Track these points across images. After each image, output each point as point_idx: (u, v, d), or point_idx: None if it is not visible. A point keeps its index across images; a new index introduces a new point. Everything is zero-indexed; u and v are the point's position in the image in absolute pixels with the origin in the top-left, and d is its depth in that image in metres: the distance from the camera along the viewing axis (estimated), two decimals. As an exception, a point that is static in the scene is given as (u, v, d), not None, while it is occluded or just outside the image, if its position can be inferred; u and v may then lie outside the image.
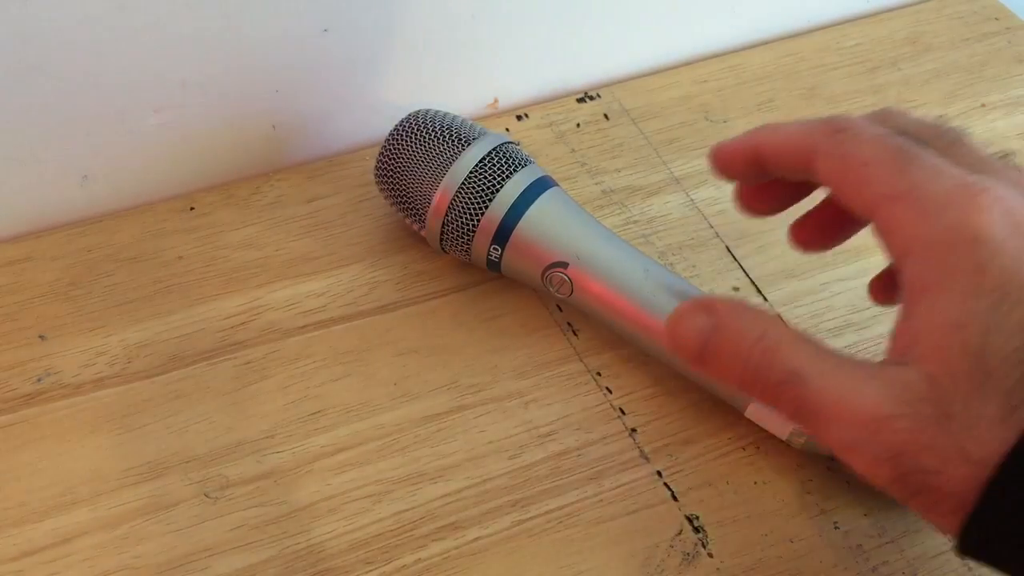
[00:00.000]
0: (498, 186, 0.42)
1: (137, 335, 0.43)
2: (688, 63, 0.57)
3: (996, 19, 0.60)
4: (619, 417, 0.43)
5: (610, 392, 0.43)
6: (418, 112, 0.45)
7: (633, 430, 0.42)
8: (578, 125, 0.53)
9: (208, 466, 0.40)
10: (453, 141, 0.43)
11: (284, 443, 0.41)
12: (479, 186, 0.42)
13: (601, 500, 0.40)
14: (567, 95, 0.55)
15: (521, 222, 0.42)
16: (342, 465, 0.40)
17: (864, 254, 0.49)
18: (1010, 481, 0.27)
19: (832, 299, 0.47)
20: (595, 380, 0.44)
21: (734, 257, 0.48)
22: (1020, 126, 0.55)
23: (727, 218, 0.50)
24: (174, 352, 0.43)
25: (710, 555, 0.39)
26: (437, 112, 0.45)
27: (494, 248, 0.43)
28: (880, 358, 0.44)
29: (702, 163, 0.52)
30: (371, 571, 0.38)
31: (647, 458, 0.42)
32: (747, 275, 0.48)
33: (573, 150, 0.52)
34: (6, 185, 0.46)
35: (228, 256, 0.46)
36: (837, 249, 0.49)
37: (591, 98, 0.55)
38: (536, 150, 0.52)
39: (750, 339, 0.31)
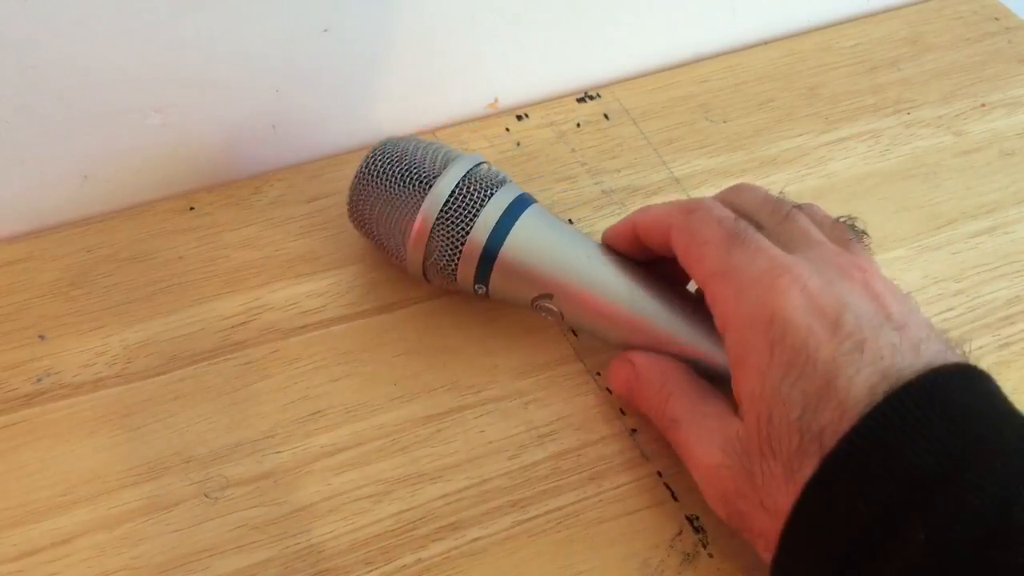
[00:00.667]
0: (468, 226, 0.41)
1: (137, 335, 0.43)
2: (688, 63, 0.57)
3: (996, 19, 0.60)
4: (619, 417, 0.43)
5: (610, 392, 0.43)
6: (381, 150, 0.43)
7: (633, 430, 0.42)
8: (578, 125, 0.53)
9: (208, 466, 0.40)
10: (415, 185, 0.41)
11: (284, 443, 0.41)
12: (450, 229, 0.41)
13: (601, 500, 0.40)
14: (567, 95, 0.55)
15: (498, 260, 0.41)
16: (342, 465, 0.40)
17: (864, 254, 0.49)
18: (795, 533, 0.32)
19: (832, 299, 0.47)
20: (595, 380, 0.44)
21: (734, 257, 0.48)
22: (1020, 126, 0.55)
23: (727, 218, 0.50)
24: (174, 352, 0.43)
25: (710, 555, 0.39)
26: (398, 147, 0.43)
27: (478, 287, 0.42)
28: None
29: (702, 163, 0.52)
30: (371, 571, 0.38)
31: (647, 458, 0.42)
32: (747, 275, 0.48)
33: (573, 150, 0.52)
34: (6, 185, 0.46)
35: (228, 256, 0.46)
36: (837, 249, 0.49)
37: (591, 98, 0.55)
38: (536, 150, 0.52)
39: (653, 389, 0.40)
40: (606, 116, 0.54)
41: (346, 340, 0.44)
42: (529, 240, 0.41)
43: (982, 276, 0.48)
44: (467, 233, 0.41)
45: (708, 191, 0.50)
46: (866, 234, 0.39)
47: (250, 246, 0.47)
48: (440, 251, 0.41)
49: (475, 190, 0.41)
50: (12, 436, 0.40)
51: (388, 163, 0.42)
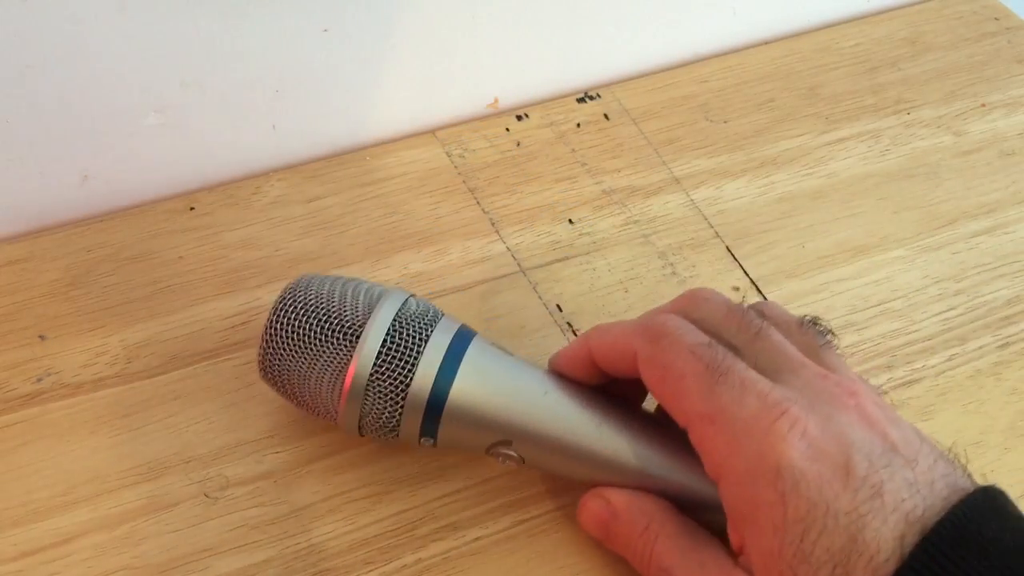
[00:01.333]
0: (407, 377, 0.36)
1: (137, 335, 0.43)
2: (688, 63, 0.57)
3: (996, 19, 0.60)
4: (619, 417, 0.43)
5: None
6: (291, 297, 0.38)
7: (633, 430, 0.42)
8: (578, 125, 0.53)
9: (208, 466, 0.40)
10: (339, 337, 0.36)
11: (284, 443, 0.41)
12: (388, 383, 0.36)
13: (601, 500, 0.40)
14: (567, 95, 0.55)
15: (445, 410, 0.36)
16: (342, 465, 0.40)
17: (864, 254, 0.49)
18: None
19: (832, 299, 0.47)
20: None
21: (734, 257, 0.48)
22: (1020, 126, 0.55)
23: (727, 218, 0.50)
24: (174, 352, 0.43)
25: (710, 555, 0.39)
26: (311, 291, 0.38)
27: (425, 439, 0.37)
28: (879, 359, 0.44)
29: (702, 163, 0.52)
30: (371, 571, 0.38)
31: (647, 458, 0.42)
32: (747, 275, 0.48)
33: (573, 150, 0.52)
34: (6, 185, 0.46)
35: (228, 256, 0.46)
36: (837, 249, 0.49)
37: (591, 98, 0.55)
38: (536, 150, 0.52)
39: (636, 531, 0.36)
40: (606, 116, 0.54)
41: (346, 340, 0.44)
42: (478, 384, 0.36)
43: (982, 276, 0.48)
44: (407, 386, 0.36)
45: (708, 191, 0.51)
46: (832, 333, 0.37)
47: (250, 246, 0.47)
48: (378, 409, 0.36)
49: (409, 334, 0.36)
50: (12, 436, 0.40)
51: (303, 314, 0.37)
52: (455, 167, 0.51)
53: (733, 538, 0.33)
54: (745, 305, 0.37)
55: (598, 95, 0.55)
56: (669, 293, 0.47)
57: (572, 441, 0.37)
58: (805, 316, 0.37)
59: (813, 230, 0.50)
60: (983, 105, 0.56)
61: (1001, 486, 0.40)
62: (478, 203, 0.49)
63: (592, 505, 0.38)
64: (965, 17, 0.60)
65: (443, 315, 0.38)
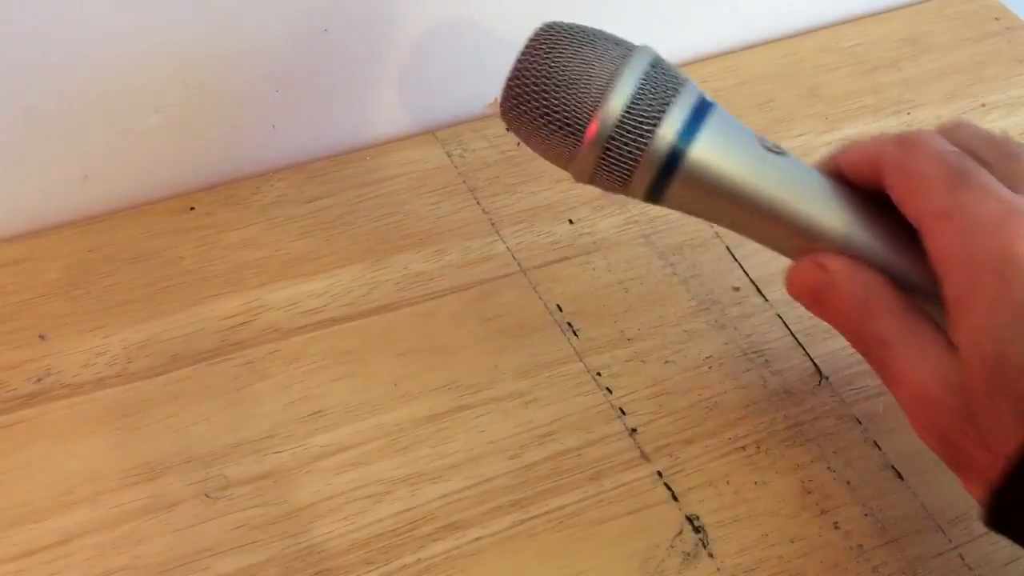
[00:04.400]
0: (665, 105, 0.37)
1: (137, 335, 0.43)
2: (688, 63, 0.57)
3: (996, 19, 0.60)
4: (619, 417, 0.43)
5: (610, 392, 0.43)
6: (555, 23, 0.39)
7: (633, 430, 0.42)
8: (578, 125, 0.53)
9: (208, 466, 0.40)
10: (613, 44, 0.38)
11: (284, 443, 0.41)
12: (647, 104, 0.36)
13: (601, 500, 0.40)
14: (567, 95, 0.55)
15: (679, 172, 0.37)
16: (342, 465, 0.40)
17: (864, 254, 0.49)
18: (1020, 473, 0.30)
19: (832, 299, 0.47)
20: (595, 380, 0.44)
21: (734, 257, 0.48)
22: (1020, 126, 0.55)
23: (727, 218, 0.50)
24: (174, 352, 0.43)
25: (710, 555, 0.39)
26: (574, 24, 0.39)
27: (653, 197, 0.38)
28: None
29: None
30: (371, 571, 0.38)
31: (647, 458, 0.42)
32: (747, 275, 0.48)
33: (573, 150, 0.52)
34: (6, 185, 0.46)
35: (228, 256, 0.46)
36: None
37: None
38: (536, 150, 0.52)
39: (854, 303, 0.36)
40: (606, 116, 0.54)
41: (346, 340, 0.44)
42: (717, 153, 0.37)
43: (982, 276, 0.48)
44: (650, 139, 0.36)
45: (708, 191, 0.51)
46: None
47: (250, 246, 0.47)
48: (634, 122, 0.36)
49: (659, 88, 0.37)
50: (12, 436, 0.40)
51: (576, 27, 0.39)
52: (455, 167, 0.51)
53: (950, 332, 0.34)
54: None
55: (598, 95, 0.55)
56: (669, 293, 0.47)
57: (801, 208, 0.37)
58: None
59: (813, 230, 0.49)
60: (983, 105, 0.56)
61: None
62: (478, 203, 0.49)
63: (806, 272, 0.37)
64: (965, 17, 0.60)
65: (686, 78, 0.38)
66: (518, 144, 0.52)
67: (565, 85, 0.37)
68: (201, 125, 0.48)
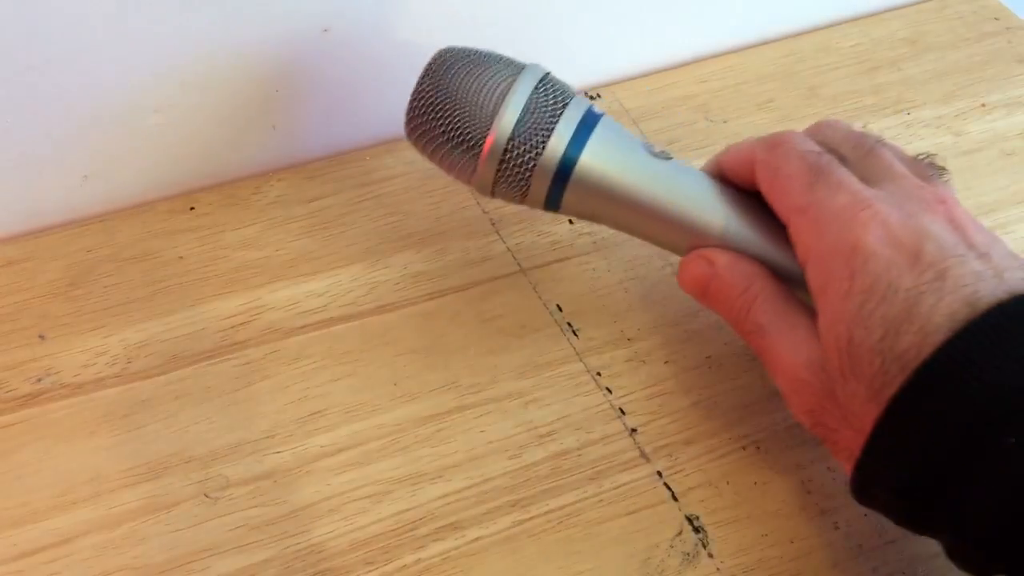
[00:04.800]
0: (555, 117, 0.40)
1: (137, 335, 0.43)
2: (688, 63, 0.57)
3: (996, 19, 0.60)
4: (619, 417, 0.43)
5: (610, 392, 0.43)
6: (450, 47, 0.41)
7: (633, 430, 0.42)
8: (578, 125, 0.53)
9: (208, 466, 0.40)
10: (504, 64, 0.40)
11: (284, 443, 0.41)
12: (538, 116, 0.40)
13: (601, 500, 0.40)
14: (567, 95, 0.55)
15: (571, 178, 0.40)
16: (342, 465, 0.40)
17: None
18: (878, 448, 0.34)
19: (832, 299, 0.47)
20: (595, 380, 0.44)
21: (734, 257, 0.48)
22: (1020, 126, 0.55)
23: (727, 218, 0.50)
24: (174, 352, 0.43)
25: (710, 555, 0.39)
26: (468, 47, 0.42)
27: (550, 204, 0.41)
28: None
29: (702, 163, 0.52)
30: (371, 571, 0.38)
31: (647, 458, 0.42)
32: (747, 275, 0.48)
33: (573, 150, 0.52)
34: (6, 185, 0.46)
35: (228, 256, 0.46)
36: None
37: (591, 98, 0.55)
38: (536, 150, 0.52)
39: (735, 293, 0.39)
40: (606, 116, 0.54)
41: (346, 340, 0.44)
42: (604, 157, 0.40)
43: (982, 276, 0.48)
44: (541, 151, 0.39)
45: (708, 191, 0.51)
46: (946, 170, 0.40)
47: (250, 246, 0.47)
48: (512, 169, 0.40)
49: (547, 104, 0.40)
50: (12, 436, 0.40)
51: (468, 51, 0.41)
52: (455, 167, 0.51)
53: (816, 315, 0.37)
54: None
55: (598, 95, 0.55)
56: (669, 293, 0.47)
57: (686, 207, 0.40)
58: (921, 154, 0.40)
59: (813, 230, 0.49)
60: (983, 105, 0.56)
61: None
62: (478, 203, 0.49)
63: (694, 266, 0.40)
64: (965, 17, 0.60)
65: (576, 93, 0.41)
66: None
67: (460, 105, 0.40)
68: (201, 125, 0.48)
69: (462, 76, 0.40)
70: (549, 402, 0.43)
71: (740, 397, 0.44)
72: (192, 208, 0.48)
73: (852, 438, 0.35)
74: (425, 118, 0.40)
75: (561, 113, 0.40)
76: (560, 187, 0.40)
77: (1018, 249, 0.49)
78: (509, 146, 0.39)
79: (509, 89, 0.40)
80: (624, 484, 0.41)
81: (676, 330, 0.45)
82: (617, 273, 0.47)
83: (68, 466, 0.40)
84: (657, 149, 0.41)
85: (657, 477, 0.41)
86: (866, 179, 0.38)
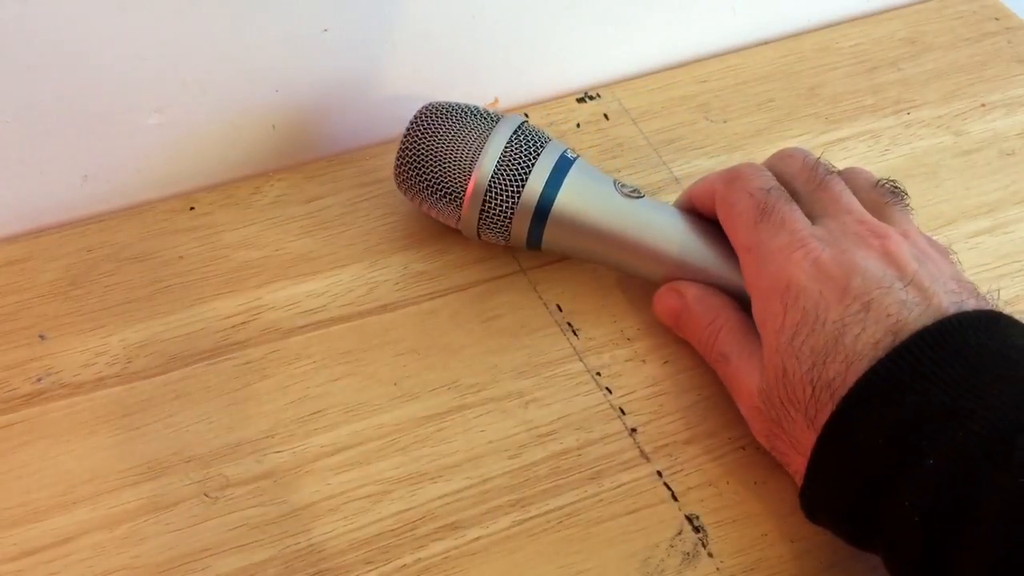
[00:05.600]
0: (531, 163, 0.43)
1: (137, 335, 0.43)
2: (688, 63, 0.57)
3: (996, 19, 0.60)
4: (619, 417, 0.43)
5: (610, 392, 0.43)
6: (431, 104, 0.45)
7: (633, 430, 0.42)
8: (578, 125, 0.53)
9: (208, 466, 0.40)
10: (482, 118, 0.44)
11: (284, 443, 0.41)
12: (514, 163, 0.43)
13: (601, 500, 0.40)
14: (567, 95, 0.55)
15: (550, 217, 0.43)
16: (342, 465, 0.40)
17: (864, 254, 0.49)
18: (817, 472, 0.36)
19: (832, 299, 0.47)
20: (595, 380, 0.44)
21: (734, 257, 0.48)
22: (1020, 126, 0.55)
23: (727, 218, 0.50)
24: (174, 352, 0.43)
25: (710, 555, 0.39)
26: (448, 102, 0.45)
27: (532, 243, 0.44)
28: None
29: (702, 163, 0.52)
30: (371, 571, 0.38)
31: (647, 458, 0.42)
32: (747, 275, 0.48)
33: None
34: (6, 185, 0.46)
35: (228, 256, 0.46)
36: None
37: (591, 98, 0.55)
38: (536, 150, 0.52)
39: (703, 324, 0.42)
40: (606, 116, 0.54)
41: (346, 340, 0.44)
42: (579, 196, 0.43)
43: (982, 276, 0.48)
44: (519, 194, 0.43)
45: (708, 191, 0.51)
46: (905, 194, 0.41)
47: (250, 246, 0.47)
48: (494, 214, 0.43)
49: (521, 154, 0.43)
50: (12, 436, 0.40)
51: (448, 107, 0.44)
52: (455, 167, 0.51)
53: None
54: (823, 161, 0.42)
55: (598, 95, 0.55)
56: (669, 293, 0.47)
57: (658, 242, 0.43)
58: (882, 180, 0.42)
59: (813, 230, 0.49)
60: (983, 105, 0.56)
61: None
62: (478, 203, 0.49)
63: (667, 296, 0.43)
64: (965, 17, 0.60)
65: (551, 139, 0.44)
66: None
67: (441, 160, 0.43)
68: (201, 125, 0.48)
69: (442, 132, 0.44)
70: (549, 402, 0.43)
71: (740, 397, 0.44)
72: (192, 208, 0.48)
73: (801, 463, 0.37)
74: (410, 173, 0.44)
75: (535, 161, 0.43)
76: (539, 228, 0.43)
77: (1018, 249, 0.49)
78: (487, 196, 0.43)
79: (486, 140, 0.43)
80: (624, 484, 0.41)
81: (676, 330, 0.45)
82: (617, 273, 0.47)
83: (68, 466, 0.40)
84: (628, 188, 0.44)
85: (657, 477, 0.41)
86: (813, 214, 0.40)
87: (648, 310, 0.46)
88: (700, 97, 0.55)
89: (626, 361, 0.44)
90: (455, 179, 0.43)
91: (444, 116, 0.44)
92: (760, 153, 0.52)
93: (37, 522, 0.38)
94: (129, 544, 0.38)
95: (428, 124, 0.44)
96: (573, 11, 0.53)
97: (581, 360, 0.44)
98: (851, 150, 0.53)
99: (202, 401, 0.42)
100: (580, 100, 0.54)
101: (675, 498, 0.41)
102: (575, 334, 0.45)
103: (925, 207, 0.51)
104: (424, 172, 0.44)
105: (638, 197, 0.44)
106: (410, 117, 0.45)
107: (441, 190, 0.44)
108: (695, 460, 0.42)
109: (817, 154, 0.43)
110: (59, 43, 0.42)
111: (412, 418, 0.42)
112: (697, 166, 0.52)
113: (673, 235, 0.43)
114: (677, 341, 0.45)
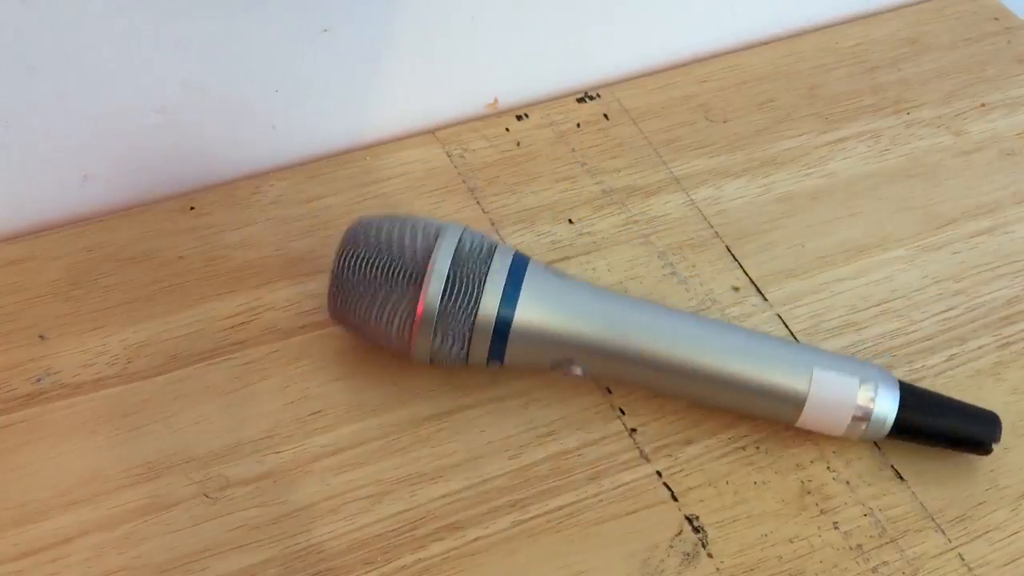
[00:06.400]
0: (473, 308, 0.39)
1: (137, 335, 0.43)
2: (688, 63, 0.57)
3: (996, 19, 0.60)
4: (619, 417, 0.43)
5: (610, 392, 0.43)
6: (352, 248, 0.39)
7: (633, 430, 0.42)
8: (578, 125, 0.53)
9: (208, 466, 0.40)
10: (403, 281, 0.39)
11: (284, 443, 0.41)
12: (457, 311, 0.39)
13: (601, 500, 0.40)
14: (567, 95, 0.55)
15: (510, 334, 0.39)
16: (342, 465, 0.40)
17: (864, 254, 0.49)
18: None
19: (832, 299, 0.47)
20: (595, 380, 0.44)
21: (734, 257, 0.48)
22: (1020, 126, 0.55)
23: (727, 218, 0.50)
24: (174, 352, 0.43)
25: (710, 555, 0.39)
26: (368, 243, 0.39)
27: (493, 362, 0.40)
28: (879, 359, 0.44)
29: (702, 163, 0.52)
30: (371, 571, 0.38)
31: (647, 458, 0.42)
32: (747, 275, 0.48)
33: (573, 150, 0.52)
34: (6, 185, 0.46)
35: (228, 256, 0.46)
36: (837, 249, 0.49)
37: (591, 98, 0.55)
38: (536, 150, 0.52)
39: None
40: (606, 116, 0.54)
41: (346, 340, 0.44)
42: (539, 307, 0.39)
43: (982, 276, 0.48)
44: (474, 317, 0.39)
45: (708, 191, 0.51)
46: None
47: (250, 246, 0.47)
48: (448, 340, 0.39)
49: (470, 268, 0.39)
50: (12, 436, 0.40)
51: (367, 262, 0.39)
52: (455, 167, 0.51)
53: None
54: None
55: (598, 95, 0.55)
56: (669, 293, 0.47)
57: (633, 351, 0.40)
58: None
59: (813, 230, 0.50)
60: (983, 105, 0.56)
61: (1001, 486, 0.40)
62: (478, 203, 0.49)
63: None
64: (965, 17, 0.60)
65: (498, 244, 0.40)
66: (517, 144, 0.52)
67: (382, 290, 0.39)
68: (201, 125, 0.48)
69: (377, 258, 0.39)
70: (549, 402, 0.43)
71: (740, 397, 0.44)
72: (192, 208, 0.48)
73: None
74: (349, 306, 0.40)
75: (486, 274, 0.39)
76: (500, 345, 0.40)
77: (1018, 249, 0.49)
78: (439, 324, 0.39)
79: (429, 262, 0.38)
80: (624, 484, 0.41)
81: (676, 330, 0.45)
82: (617, 273, 0.47)
83: (68, 466, 0.40)
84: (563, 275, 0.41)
85: (657, 477, 0.41)
86: None
87: (648, 310, 0.46)
88: (700, 97, 0.55)
89: (626, 361, 0.44)
90: (401, 310, 0.39)
91: (377, 240, 0.39)
92: (760, 153, 0.53)
93: (37, 522, 0.38)
94: (129, 544, 0.38)
95: (362, 249, 0.39)
96: (573, 11, 0.53)
97: (581, 360, 0.44)
98: (851, 150, 0.53)
99: (202, 401, 0.42)
100: (580, 100, 0.54)
101: (675, 498, 0.41)
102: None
103: (925, 207, 0.51)
104: (364, 304, 0.39)
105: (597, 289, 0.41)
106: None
107: (387, 320, 0.39)
108: (695, 460, 0.42)
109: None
110: (59, 43, 0.42)
111: (412, 418, 0.42)
112: (697, 166, 0.52)
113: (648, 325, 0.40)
114: (677, 341, 0.45)
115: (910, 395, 0.41)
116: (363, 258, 0.39)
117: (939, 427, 0.41)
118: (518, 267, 0.40)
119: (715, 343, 0.40)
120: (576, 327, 0.39)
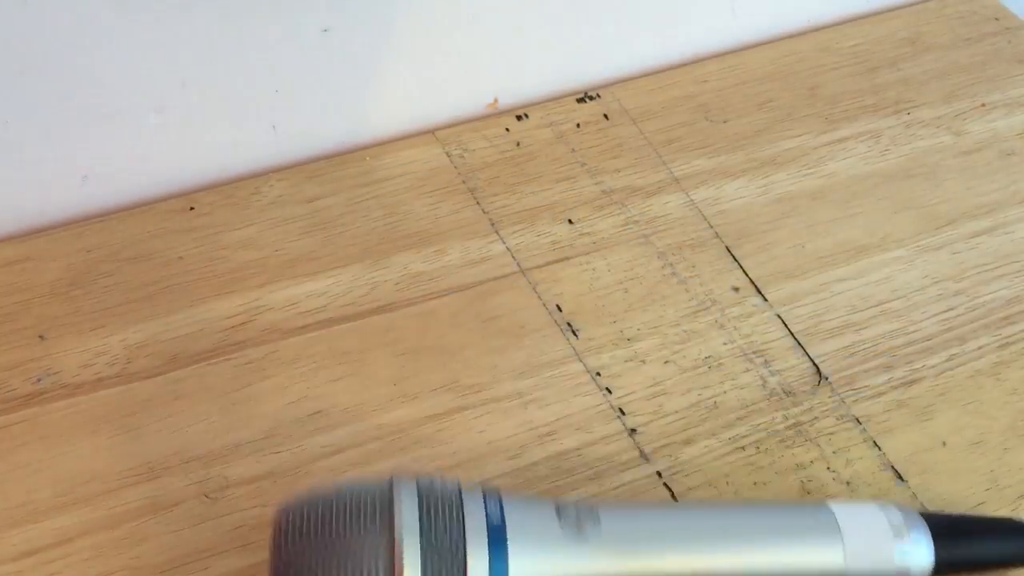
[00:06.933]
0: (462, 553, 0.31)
1: (137, 335, 0.43)
2: (688, 63, 0.57)
3: (996, 19, 0.60)
4: (619, 417, 0.43)
5: (610, 392, 0.43)
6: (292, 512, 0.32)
7: (633, 430, 0.42)
8: (578, 125, 0.53)
9: (208, 466, 0.40)
10: (370, 508, 0.31)
11: (284, 443, 0.41)
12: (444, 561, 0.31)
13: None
14: (567, 95, 0.55)
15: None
16: (342, 465, 0.40)
17: (864, 254, 0.49)
18: None
19: (832, 299, 0.47)
20: (595, 380, 0.44)
21: (734, 257, 0.48)
22: (1020, 126, 0.55)
23: (727, 218, 0.50)
24: (174, 352, 0.43)
25: (710, 555, 0.39)
26: (316, 509, 0.32)
27: None
28: (879, 359, 0.44)
29: (702, 163, 0.52)
30: (371, 571, 0.38)
31: (647, 458, 0.42)
32: (747, 275, 0.48)
33: (573, 150, 0.52)
34: (6, 185, 0.46)
35: (228, 256, 0.46)
36: (837, 249, 0.49)
37: (591, 98, 0.55)
38: (536, 150, 0.52)
39: None
40: (606, 116, 0.54)
41: (346, 340, 0.44)
42: (532, 553, 0.32)
43: (982, 276, 0.48)
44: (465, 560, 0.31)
45: (708, 191, 0.51)
46: None
47: (250, 246, 0.47)
48: None
49: (443, 548, 0.31)
50: (12, 436, 0.40)
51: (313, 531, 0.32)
52: (455, 167, 0.51)
53: None
54: None
55: (598, 95, 0.55)
56: (669, 293, 0.47)
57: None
58: None
59: (813, 230, 0.50)
60: (983, 105, 0.56)
61: (1002, 486, 0.40)
62: (478, 203, 0.49)
63: None
64: (965, 17, 0.60)
65: (459, 488, 0.33)
66: (517, 144, 0.52)
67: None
68: (201, 125, 0.48)
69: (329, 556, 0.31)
70: (549, 402, 0.43)
71: (740, 397, 0.44)
72: (192, 208, 0.48)
73: None
74: None
75: (460, 545, 0.31)
76: None
77: (1018, 249, 0.49)
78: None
79: (396, 554, 0.30)
80: (624, 484, 0.41)
81: (676, 330, 0.45)
82: (617, 273, 0.47)
83: (68, 466, 0.40)
84: (572, 514, 0.34)
85: (657, 477, 0.41)
86: None
87: (648, 310, 0.46)
88: (700, 97, 0.55)
89: (626, 361, 0.44)
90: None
91: (323, 524, 0.32)
92: (760, 153, 0.53)
93: (37, 522, 0.38)
94: (129, 544, 0.38)
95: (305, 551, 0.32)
96: (573, 11, 0.53)
97: (581, 360, 0.44)
98: (851, 150, 0.53)
99: (202, 401, 0.42)
100: (580, 100, 0.54)
101: (675, 498, 0.41)
102: (575, 334, 0.45)
103: (925, 207, 0.51)
104: None
105: (589, 518, 0.34)
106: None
107: None
108: (695, 460, 0.42)
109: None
110: (59, 43, 0.42)
111: (412, 418, 0.42)
112: (697, 166, 0.52)
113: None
114: (677, 341, 0.45)
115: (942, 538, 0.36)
116: (314, 526, 0.32)
117: (980, 559, 0.37)
118: (494, 511, 0.32)
119: (734, 554, 0.35)
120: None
